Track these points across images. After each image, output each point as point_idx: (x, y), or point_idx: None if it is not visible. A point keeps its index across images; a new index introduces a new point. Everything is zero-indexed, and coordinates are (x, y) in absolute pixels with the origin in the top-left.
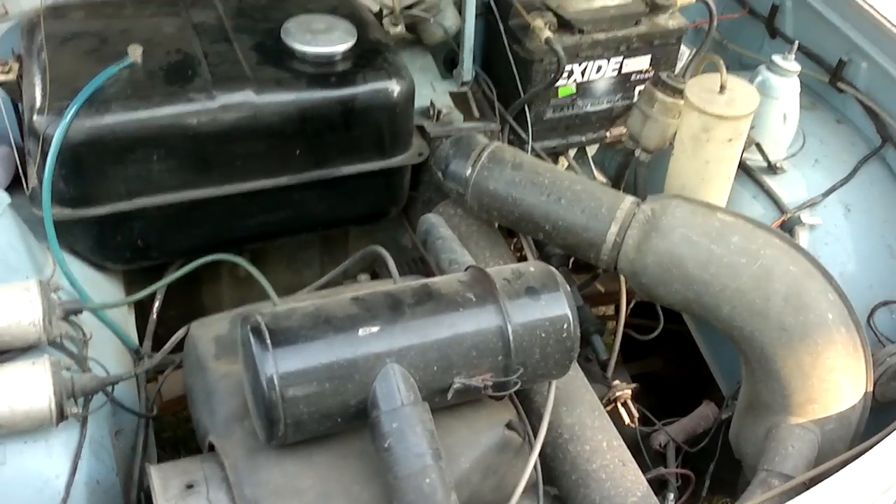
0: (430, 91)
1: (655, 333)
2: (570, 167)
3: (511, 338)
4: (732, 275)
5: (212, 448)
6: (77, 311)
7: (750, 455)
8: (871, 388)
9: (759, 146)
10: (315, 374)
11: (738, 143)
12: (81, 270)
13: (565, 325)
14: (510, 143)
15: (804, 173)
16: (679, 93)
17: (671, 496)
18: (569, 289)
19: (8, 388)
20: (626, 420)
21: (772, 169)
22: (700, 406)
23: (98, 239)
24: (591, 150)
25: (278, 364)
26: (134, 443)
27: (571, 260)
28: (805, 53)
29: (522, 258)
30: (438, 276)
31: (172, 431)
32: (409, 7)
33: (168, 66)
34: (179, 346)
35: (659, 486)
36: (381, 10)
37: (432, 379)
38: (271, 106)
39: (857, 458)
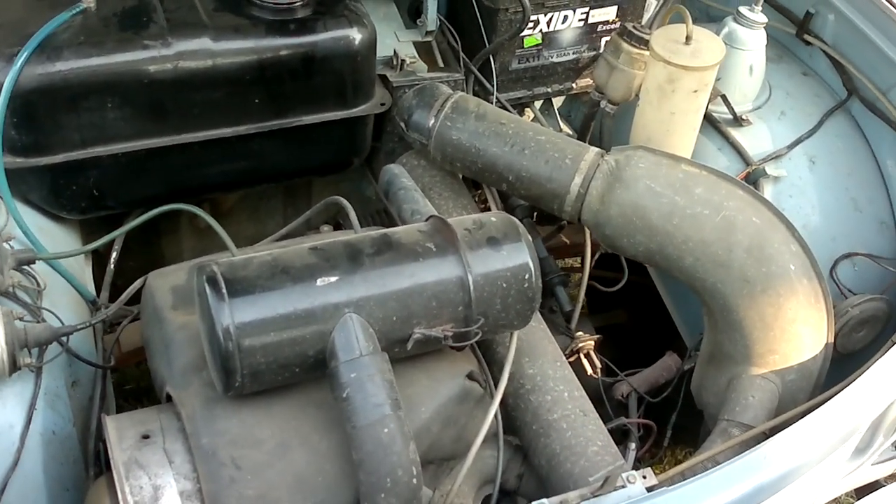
0: (394, 41)
1: (620, 285)
2: (535, 119)
3: (472, 288)
4: (695, 226)
5: (169, 399)
6: (30, 261)
7: (711, 405)
8: (832, 340)
9: (724, 98)
10: (272, 324)
11: (703, 95)
12: (36, 220)
13: (527, 276)
14: (475, 94)
15: (770, 125)
16: (645, 43)
17: (633, 446)
18: (531, 239)
19: None
20: (589, 371)
21: (737, 121)
22: (663, 357)
23: (52, 188)
24: (558, 102)
25: (234, 314)
26: (91, 394)
27: (535, 212)
28: (772, 5)
29: (486, 209)
30: (399, 227)
31: (135, 383)
32: None
33: (122, 13)
34: (137, 298)
35: (621, 435)
36: None
37: (391, 329)
38: (229, 53)
39: (816, 408)
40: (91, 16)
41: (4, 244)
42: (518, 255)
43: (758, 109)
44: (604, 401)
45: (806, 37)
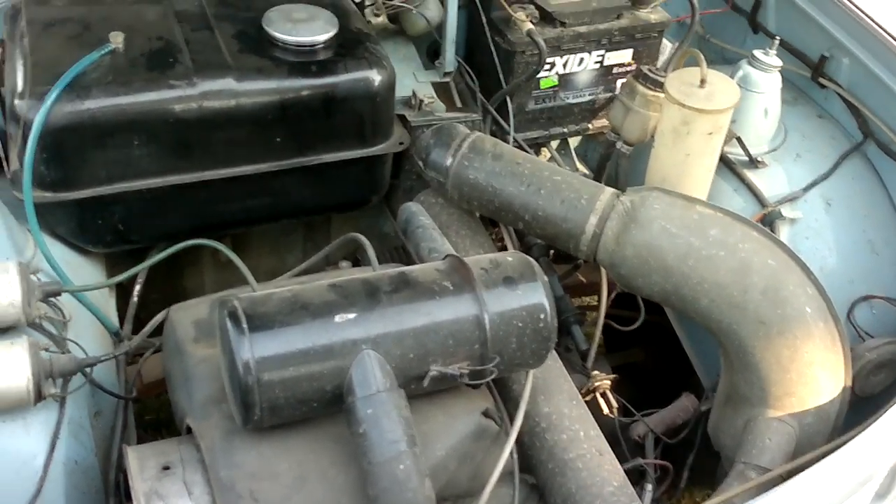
0: (413, 81)
1: (637, 324)
2: (552, 158)
3: (487, 327)
4: (711, 267)
5: (189, 431)
6: (56, 293)
7: (728, 447)
8: (849, 383)
9: (740, 140)
10: (291, 359)
11: (718, 137)
12: (63, 253)
13: (542, 315)
14: (492, 133)
15: (785, 167)
16: (660, 86)
17: (649, 487)
18: (546, 279)
19: None
20: (605, 410)
21: (753, 163)
22: (680, 398)
23: (79, 222)
24: (574, 142)
25: (254, 348)
26: (113, 424)
27: (552, 250)
28: (787, 49)
29: (503, 248)
30: (416, 265)
31: (155, 414)
32: None
33: (149, 53)
34: (159, 330)
35: (637, 476)
36: (363, 1)
37: (408, 366)
38: (252, 93)
39: (834, 451)
40: (119, 56)
41: (32, 276)
42: (534, 295)
43: (773, 151)
44: (620, 441)
45: (821, 80)
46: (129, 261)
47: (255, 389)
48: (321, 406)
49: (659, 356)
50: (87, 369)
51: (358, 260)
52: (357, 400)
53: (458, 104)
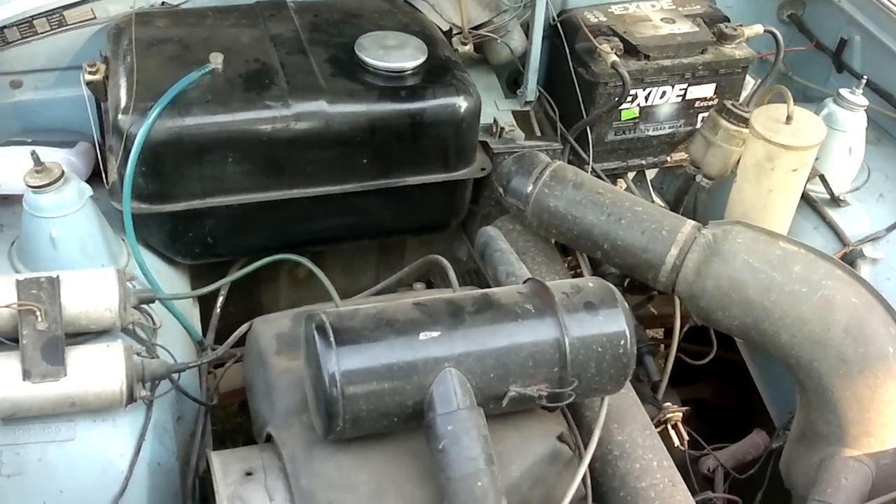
0: (494, 109)
1: (709, 358)
2: (628, 190)
3: (568, 350)
4: (793, 303)
5: (268, 439)
6: (150, 301)
7: (801, 485)
8: None
9: (822, 178)
10: (375, 373)
11: (802, 174)
12: (153, 263)
13: (622, 342)
14: (570, 163)
15: (867, 207)
16: (744, 121)
17: None
18: (627, 306)
19: (83, 368)
20: (676, 442)
21: (835, 201)
22: (751, 434)
23: (171, 234)
24: (650, 174)
25: (341, 362)
26: (193, 430)
27: (626, 281)
28: (873, 89)
29: (577, 276)
30: (498, 287)
31: (221, 425)
32: (478, 27)
33: (247, 74)
34: (240, 342)
35: None
36: (450, 30)
37: (488, 385)
38: (343, 116)
39: None
40: (218, 76)
41: (128, 283)
42: (614, 322)
43: (856, 191)
44: (689, 474)
45: None
46: (212, 274)
47: (339, 401)
48: (401, 421)
49: (725, 393)
50: (175, 375)
51: (431, 283)
52: (437, 416)
53: (538, 133)
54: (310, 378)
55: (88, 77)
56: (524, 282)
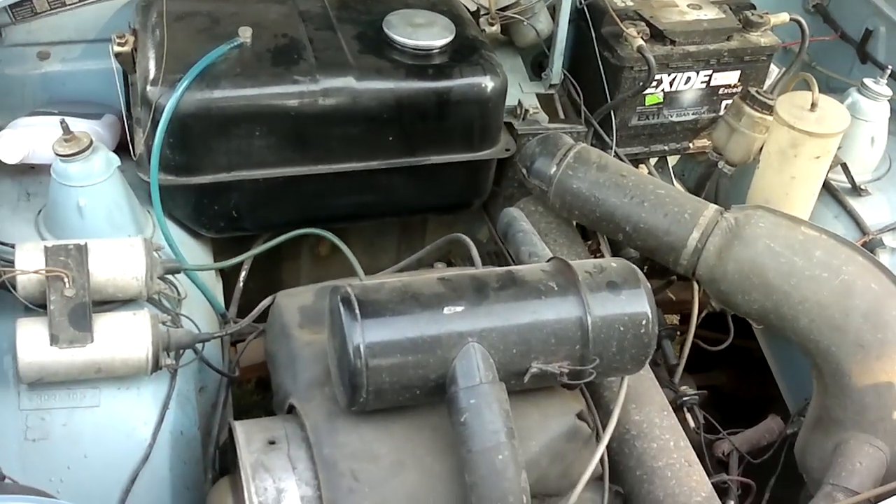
0: (518, 91)
1: (726, 344)
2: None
3: (590, 328)
4: (813, 288)
5: (290, 411)
6: (176, 271)
7: (815, 469)
8: None
9: (844, 167)
10: (399, 346)
11: (825, 161)
12: (177, 235)
13: (644, 322)
14: (593, 147)
15: (888, 197)
16: (768, 108)
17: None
18: (650, 287)
19: (110, 335)
20: (692, 425)
21: (856, 190)
22: (766, 419)
23: (196, 206)
24: (672, 160)
25: (365, 334)
26: (214, 401)
27: (645, 266)
28: None
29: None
30: (522, 265)
31: (237, 401)
32: (505, 9)
33: (275, 49)
34: (261, 317)
35: (719, 494)
36: (477, 10)
37: (511, 361)
38: (370, 92)
39: None
40: (247, 50)
41: (154, 253)
42: (637, 302)
43: (877, 181)
44: (704, 457)
45: None
46: (234, 248)
47: (363, 373)
48: (423, 394)
49: (740, 381)
50: (199, 345)
51: (452, 263)
52: (460, 390)
53: (562, 116)
54: (334, 350)
55: (117, 48)
56: (548, 260)
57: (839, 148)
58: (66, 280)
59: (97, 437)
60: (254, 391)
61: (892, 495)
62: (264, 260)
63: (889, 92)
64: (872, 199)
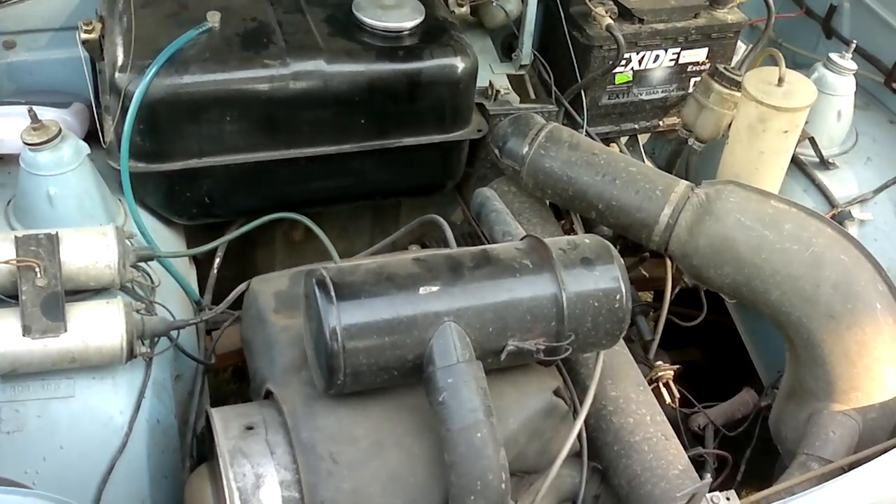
0: (489, 72)
1: (699, 320)
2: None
3: (565, 305)
4: (784, 260)
5: (267, 396)
6: (149, 258)
7: (789, 440)
8: None
9: (812, 141)
10: (376, 327)
11: (793, 136)
12: (149, 223)
13: (618, 297)
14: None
15: (855, 170)
16: (736, 84)
17: (707, 476)
18: (623, 262)
19: (83, 324)
20: (667, 400)
21: (824, 164)
22: (740, 392)
23: (168, 193)
24: (643, 139)
25: (341, 316)
26: (191, 389)
27: (619, 243)
28: (861, 54)
29: None
30: (497, 244)
31: (213, 391)
32: None
33: (244, 33)
34: (235, 304)
35: (695, 466)
36: None
37: (487, 339)
38: (341, 75)
39: None
40: (215, 35)
41: (126, 241)
42: (610, 277)
43: (844, 154)
44: (680, 431)
45: (895, 85)
46: (208, 235)
47: (340, 355)
48: (401, 375)
49: (715, 356)
50: (174, 333)
51: (426, 245)
52: (437, 369)
53: (533, 96)
54: (310, 333)
55: (84, 35)
56: (522, 238)
57: (807, 122)
58: (37, 270)
59: (73, 427)
60: (231, 379)
61: (864, 463)
62: (239, 247)
63: (854, 66)
64: (840, 171)
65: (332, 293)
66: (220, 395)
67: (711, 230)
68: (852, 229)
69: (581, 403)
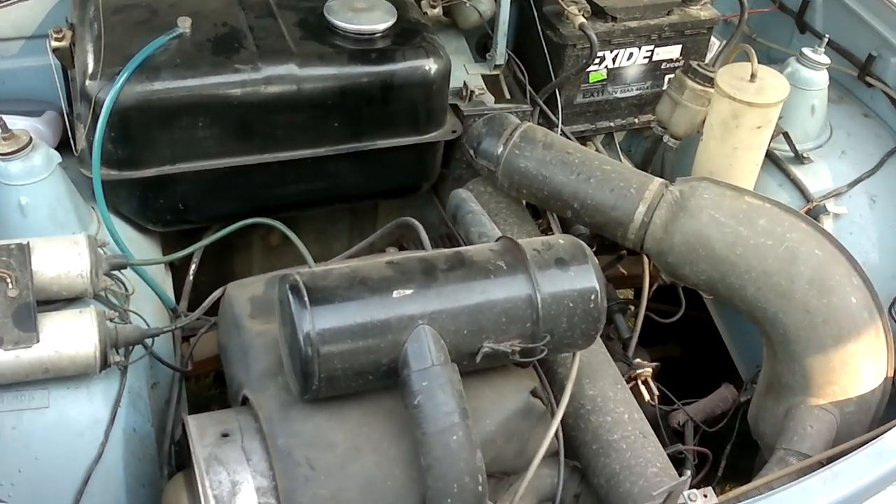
0: (463, 73)
1: (677, 316)
2: (597, 152)
3: (540, 306)
4: (758, 256)
5: (244, 402)
6: (122, 266)
7: (768, 435)
8: (891, 374)
9: (786, 135)
10: (350, 332)
11: (766, 131)
12: (123, 230)
13: (593, 297)
14: (540, 126)
15: (830, 164)
16: (709, 81)
17: (688, 473)
18: (597, 262)
19: (56, 334)
20: (647, 397)
21: (798, 158)
22: (719, 388)
23: (141, 200)
24: (619, 137)
25: (315, 321)
26: (168, 396)
27: (595, 242)
28: (834, 48)
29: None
30: (471, 246)
31: (195, 397)
32: None
33: (215, 38)
34: (212, 311)
35: (676, 463)
36: None
37: (462, 342)
38: (313, 79)
39: (873, 440)
40: (186, 40)
41: (99, 250)
42: (585, 277)
43: (819, 148)
44: (660, 428)
45: (868, 79)
46: (183, 242)
47: (314, 361)
48: (376, 379)
49: (694, 352)
50: (148, 340)
51: (404, 247)
52: (412, 373)
53: (508, 96)
54: (285, 338)
55: (55, 43)
56: (496, 240)
57: (781, 117)
58: (8, 280)
59: (48, 438)
60: (212, 385)
61: (842, 457)
62: (216, 253)
63: (827, 60)
64: (815, 166)
65: (306, 298)
66: (201, 400)
67: (686, 227)
68: (827, 223)
69: (558, 403)
